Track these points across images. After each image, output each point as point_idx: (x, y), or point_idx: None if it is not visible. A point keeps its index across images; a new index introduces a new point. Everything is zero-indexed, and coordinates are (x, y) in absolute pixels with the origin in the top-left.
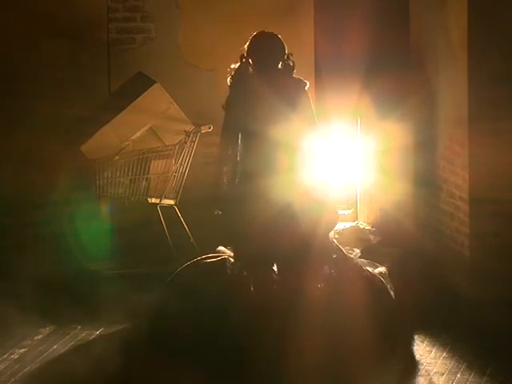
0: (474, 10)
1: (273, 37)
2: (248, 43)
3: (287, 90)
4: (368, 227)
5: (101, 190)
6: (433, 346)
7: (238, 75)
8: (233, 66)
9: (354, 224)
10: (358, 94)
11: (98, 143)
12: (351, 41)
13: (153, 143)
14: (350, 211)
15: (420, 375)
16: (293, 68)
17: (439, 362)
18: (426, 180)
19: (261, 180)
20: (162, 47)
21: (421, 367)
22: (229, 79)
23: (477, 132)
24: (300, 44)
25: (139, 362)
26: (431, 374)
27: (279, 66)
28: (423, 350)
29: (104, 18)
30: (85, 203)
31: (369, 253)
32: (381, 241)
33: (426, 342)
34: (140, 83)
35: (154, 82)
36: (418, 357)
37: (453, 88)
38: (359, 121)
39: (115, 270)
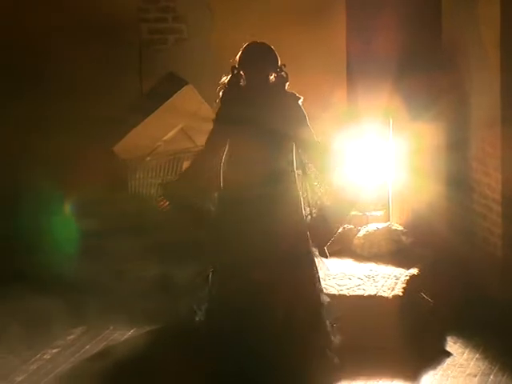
0: (506, 8)
1: (265, 48)
2: (239, 54)
3: (279, 105)
4: (400, 228)
5: (133, 190)
6: (466, 348)
7: (228, 89)
8: (223, 79)
9: (386, 225)
10: (389, 94)
11: (130, 144)
12: (383, 40)
13: (184, 144)
14: (382, 212)
15: (453, 377)
16: (286, 80)
17: (472, 363)
18: (459, 181)
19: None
20: (193, 48)
21: (454, 369)
22: (220, 93)
23: (510, 132)
24: (332, 44)
25: (171, 362)
26: (464, 375)
27: (272, 77)
28: (456, 352)
29: (135, 18)
30: (118, 203)
31: (401, 254)
32: (413, 242)
33: (458, 344)
34: (171, 84)
35: (186, 82)
36: (450, 358)
37: (485, 88)
38: (391, 121)
39: (147, 271)
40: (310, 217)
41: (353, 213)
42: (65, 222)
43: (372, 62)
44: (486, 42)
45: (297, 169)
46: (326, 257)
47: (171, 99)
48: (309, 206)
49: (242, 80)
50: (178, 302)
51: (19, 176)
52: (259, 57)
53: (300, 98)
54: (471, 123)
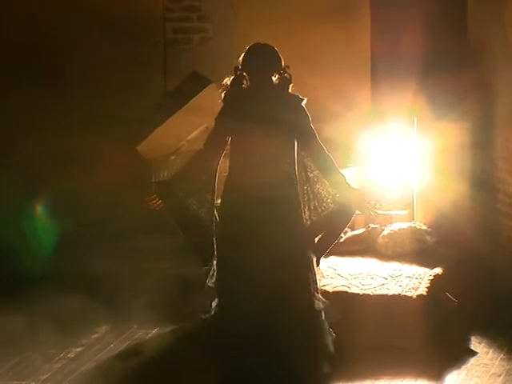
0: None
1: (268, 49)
2: (242, 56)
3: (282, 106)
4: (424, 227)
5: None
6: (490, 347)
7: (231, 89)
8: (226, 80)
9: (410, 224)
10: (414, 93)
11: (154, 143)
12: (408, 40)
13: None
14: (406, 211)
15: (477, 376)
16: (289, 81)
17: (497, 363)
18: (483, 180)
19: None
20: (218, 47)
21: (478, 368)
22: (222, 94)
23: None
24: (356, 43)
25: (194, 360)
26: (488, 375)
27: (275, 79)
28: (480, 351)
29: (160, 18)
30: (138, 203)
31: (425, 253)
32: (437, 241)
33: (483, 343)
34: (196, 83)
35: (210, 81)
36: (475, 358)
37: (510, 88)
38: (416, 121)
39: (173, 270)
40: (309, 221)
41: (357, 212)
42: (87, 222)
43: (396, 62)
44: (511, 42)
45: (298, 171)
46: (318, 264)
47: (195, 98)
48: (309, 210)
49: (244, 81)
50: (197, 301)
51: (40, 175)
52: (262, 58)
53: (303, 100)
54: (496, 122)
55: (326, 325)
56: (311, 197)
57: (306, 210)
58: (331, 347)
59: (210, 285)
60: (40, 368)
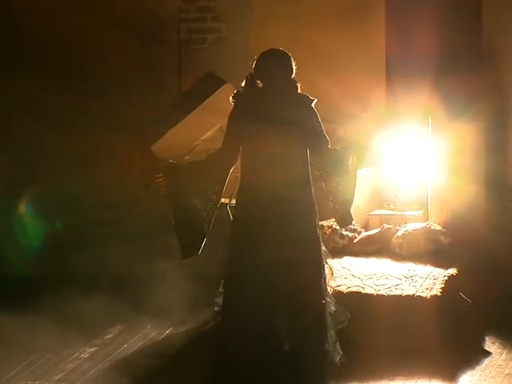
0: None
1: (279, 53)
2: (255, 62)
3: (293, 106)
4: (439, 228)
5: None
6: (504, 348)
7: (242, 92)
8: (243, 84)
9: (424, 225)
10: (429, 93)
11: (168, 143)
12: (422, 40)
13: None
14: (420, 212)
15: (491, 377)
16: (297, 82)
17: (511, 363)
18: (498, 181)
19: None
20: (232, 47)
21: (492, 369)
22: (230, 98)
23: None
24: (371, 43)
25: (209, 361)
26: (502, 375)
27: (286, 82)
28: (495, 352)
29: (175, 18)
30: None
31: (439, 254)
32: (451, 242)
33: (497, 344)
34: (210, 83)
35: (225, 81)
36: (489, 358)
37: None
38: (430, 121)
39: (185, 270)
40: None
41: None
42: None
43: (411, 62)
44: None
45: (312, 170)
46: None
47: (210, 98)
48: (333, 203)
49: (256, 85)
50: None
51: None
52: (273, 61)
53: (313, 100)
54: (510, 123)
55: (333, 332)
56: (333, 192)
57: (330, 202)
58: (336, 355)
59: (217, 300)
60: (54, 368)
